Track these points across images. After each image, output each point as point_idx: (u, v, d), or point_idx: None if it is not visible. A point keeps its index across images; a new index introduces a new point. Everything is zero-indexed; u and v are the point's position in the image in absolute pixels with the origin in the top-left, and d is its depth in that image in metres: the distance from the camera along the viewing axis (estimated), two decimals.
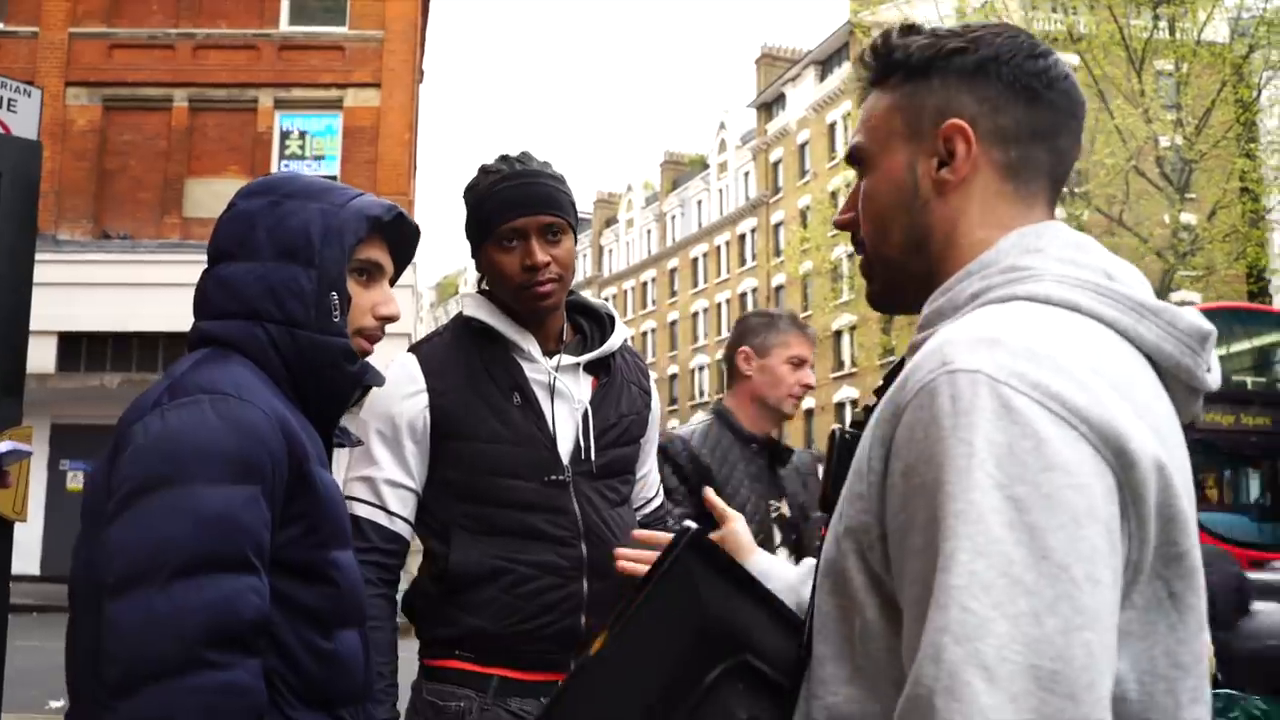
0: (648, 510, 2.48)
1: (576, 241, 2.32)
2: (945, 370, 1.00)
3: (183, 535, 1.42)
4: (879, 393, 1.24)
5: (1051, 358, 1.00)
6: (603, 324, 2.39)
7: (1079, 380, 0.99)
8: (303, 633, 1.54)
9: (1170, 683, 1.02)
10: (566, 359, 2.28)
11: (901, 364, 1.21)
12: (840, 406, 42.72)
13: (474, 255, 2.31)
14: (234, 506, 1.45)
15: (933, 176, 1.21)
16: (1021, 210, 1.20)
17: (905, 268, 1.25)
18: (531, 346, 2.25)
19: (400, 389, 2.19)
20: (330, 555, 1.59)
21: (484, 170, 2.28)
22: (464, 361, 2.24)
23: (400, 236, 1.80)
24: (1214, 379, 1.14)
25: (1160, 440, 1.01)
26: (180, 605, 1.39)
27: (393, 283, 1.82)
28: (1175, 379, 1.11)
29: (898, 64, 1.25)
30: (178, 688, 1.36)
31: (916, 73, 1.23)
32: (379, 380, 1.77)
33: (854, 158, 1.30)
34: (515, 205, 2.20)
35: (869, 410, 1.28)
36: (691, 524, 1.25)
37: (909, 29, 1.27)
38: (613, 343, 2.34)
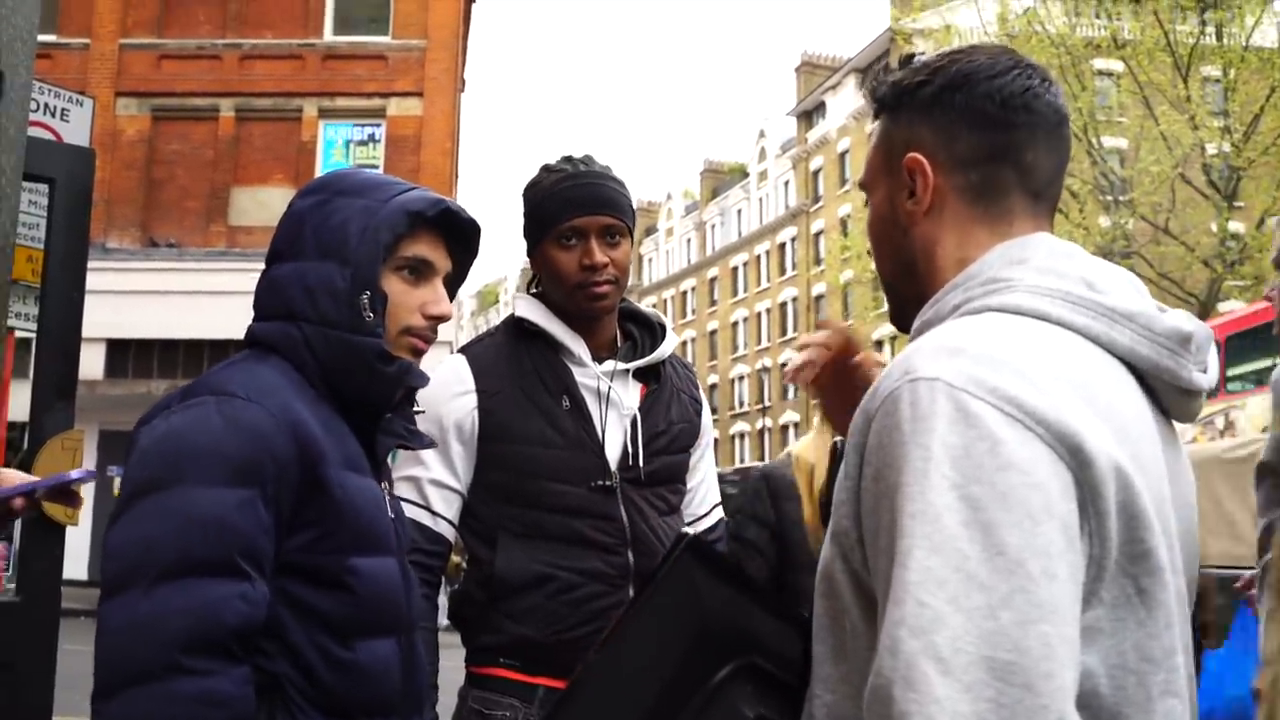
0: (700, 528, 2.40)
1: (633, 247, 2.32)
2: (908, 379, 1.05)
3: (169, 538, 1.40)
4: None
5: (1010, 364, 1.04)
6: (654, 332, 2.38)
7: (1036, 384, 1.02)
8: (317, 639, 1.51)
9: (1141, 676, 1.05)
10: (617, 365, 2.27)
11: None
12: None
13: (530, 253, 2.31)
14: (225, 509, 1.42)
15: (904, 208, 1.28)
16: (1000, 228, 1.24)
17: (902, 289, 1.32)
18: (582, 350, 2.24)
19: (448, 389, 2.19)
20: (348, 562, 1.54)
21: (547, 169, 2.28)
22: (514, 363, 2.23)
23: (460, 233, 1.75)
24: (1206, 379, 1.17)
25: (1123, 441, 1.05)
26: (161, 609, 1.37)
27: (457, 281, 1.78)
28: (1160, 381, 1.15)
29: (882, 101, 1.32)
30: (153, 694, 1.35)
31: (891, 109, 1.30)
32: (423, 381, 1.72)
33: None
34: (577, 204, 2.20)
35: None
36: (689, 530, 1.27)
37: (906, 60, 1.33)
38: (663, 350, 2.33)
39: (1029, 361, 1.05)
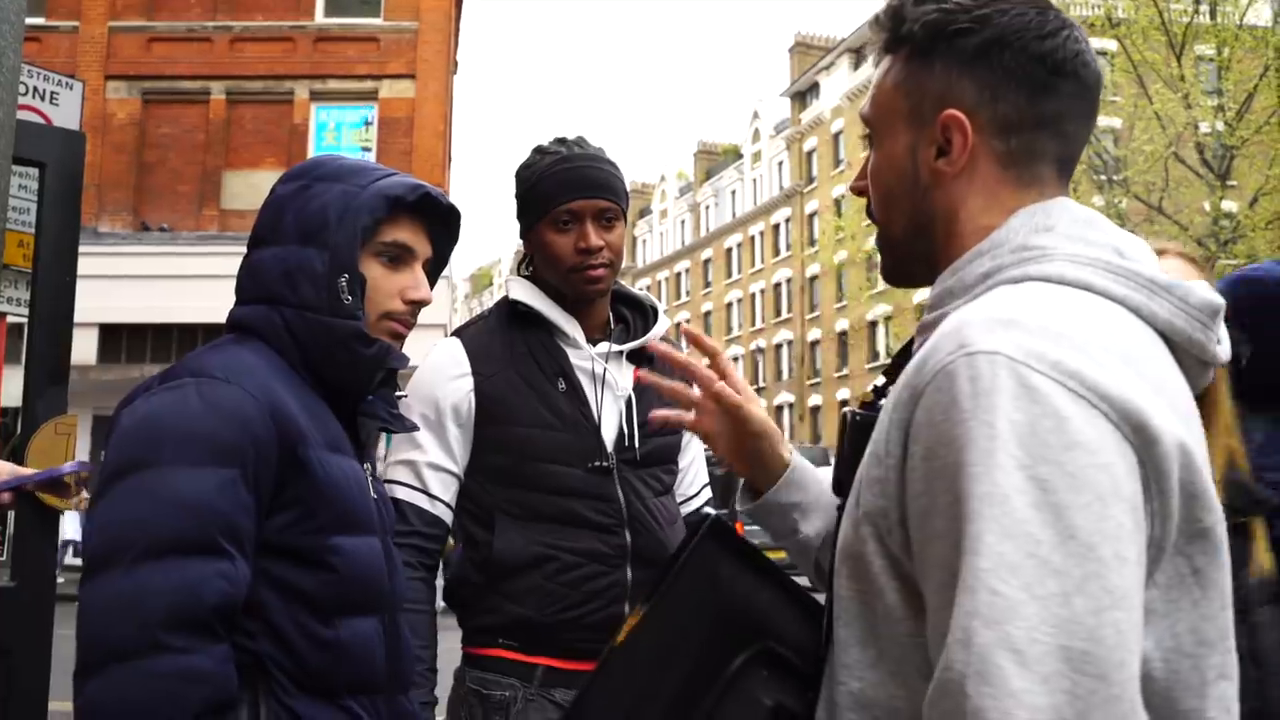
0: (689, 509, 2.43)
1: (627, 229, 2.32)
2: (964, 352, 0.99)
3: (149, 517, 1.41)
4: (889, 373, 1.25)
5: (1068, 337, 0.99)
6: (645, 314, 2.40)
7: (1096, 359, 0.98)
8: (300, 619, 1.52)
9: (1195, 660, 1.02)
10: (611, 347, 2.28)
11: (909, 345, 1.22)
12: None
13: (523, 235, 2.31)
14: (205, 489, 1.43)
15: (931, 165, 1.19)
16: (1029, 195, 1.18)
17: (910, 247, 1.25)
18: (576, 333, 2.25)
19: (445, 372, 2.20)
20: (330, 541, 1.55)
21: (540, 151, 2.29)
22: (509, 346, 2.24)
23: (441, 219, 1.77)
24: (1224, 351, 1.14)
25: (1178, 416, 1.01)
26: (142, 588, 1.38)
27: (438, 267, 1.79)
28: (1187, 354, 1.11)
29: (907, 37, 1.21)
30: (134, 670, 1.36)
31: (922, 51, 1.20)
32: (403, 362, 1.73)
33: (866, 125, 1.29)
34: (574, 187, 2.21)
35: (879, 391, 1.27)
36: (710, 511, 1.25)
37: None
38: (656, 332, 2.34)
39: (1085, 334, 1.00)
